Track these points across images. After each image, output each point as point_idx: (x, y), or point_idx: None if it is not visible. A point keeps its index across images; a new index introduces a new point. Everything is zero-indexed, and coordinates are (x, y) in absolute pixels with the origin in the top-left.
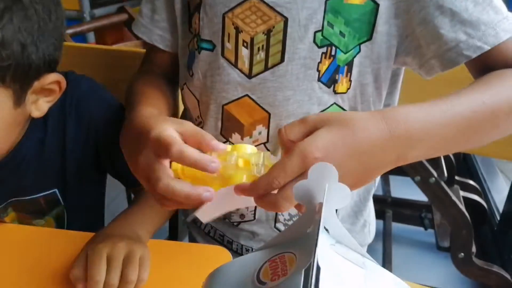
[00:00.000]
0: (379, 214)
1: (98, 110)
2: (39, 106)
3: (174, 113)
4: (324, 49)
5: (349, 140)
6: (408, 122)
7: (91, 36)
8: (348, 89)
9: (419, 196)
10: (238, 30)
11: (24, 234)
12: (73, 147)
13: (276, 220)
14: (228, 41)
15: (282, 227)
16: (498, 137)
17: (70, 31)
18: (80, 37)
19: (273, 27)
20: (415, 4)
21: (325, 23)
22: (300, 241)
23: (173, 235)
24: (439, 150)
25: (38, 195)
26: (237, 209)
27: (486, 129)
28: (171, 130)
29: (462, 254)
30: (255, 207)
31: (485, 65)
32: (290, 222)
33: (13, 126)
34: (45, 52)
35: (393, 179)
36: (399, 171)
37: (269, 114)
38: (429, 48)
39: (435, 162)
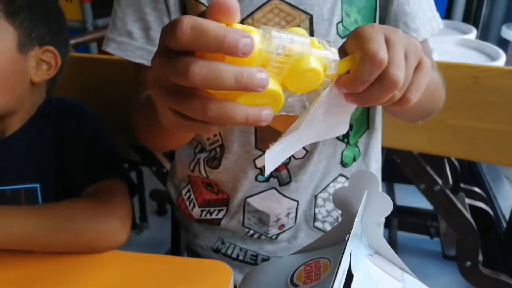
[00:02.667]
0: (384, 223)
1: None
2: (38, 74)
3: None
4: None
5: None
6: None
7: (93, 46)
8: None
9: (424, 204)
10: None
11: None
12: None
13: (314, 219)
14: None
15: (320, 225)
16: (426, 115)
17: (73, 41)
18: (83, 47)
19: (299, 26)
20: None
21: (343, 13)
22: (336, 248)
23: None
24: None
25: (19, 186)
26: (276, 220)
27: (433, 97)
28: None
29: (469, 262)
30: (296, 210)
31: None
32: (328, 219)
33: (16, 73)
34: (53, 32)
35: (398, 187)
36: (403, 179)
37: None
38: None
39: (440, 169)
